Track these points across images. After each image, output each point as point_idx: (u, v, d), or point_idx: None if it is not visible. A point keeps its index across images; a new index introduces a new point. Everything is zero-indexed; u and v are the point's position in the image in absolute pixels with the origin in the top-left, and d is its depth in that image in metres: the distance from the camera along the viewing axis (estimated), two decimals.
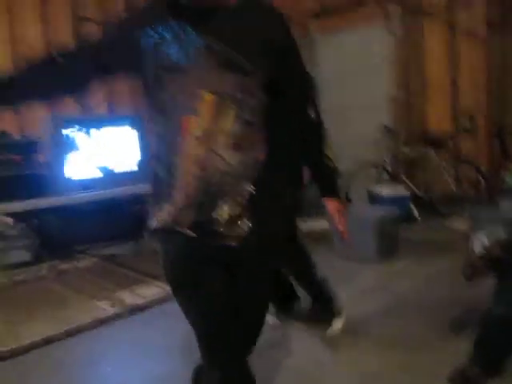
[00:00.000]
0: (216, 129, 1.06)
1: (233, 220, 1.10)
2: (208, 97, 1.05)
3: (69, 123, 3.16)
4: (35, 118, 4.89)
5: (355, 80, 5.27)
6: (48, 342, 2.34)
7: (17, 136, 3.12)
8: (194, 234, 1.11)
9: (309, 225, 4.73)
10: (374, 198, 4.57)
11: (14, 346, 2.27)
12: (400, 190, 4.57)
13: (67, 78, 1.19)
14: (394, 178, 4.89)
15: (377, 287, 2.93)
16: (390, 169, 4.97)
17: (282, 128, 1.23)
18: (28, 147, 2.92)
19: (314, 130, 1.33)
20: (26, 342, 2.32)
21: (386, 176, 4.99)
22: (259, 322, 1.35)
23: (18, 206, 2.89)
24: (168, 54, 1.06)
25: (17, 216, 3.66)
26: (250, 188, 1.11)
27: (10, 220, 3.85)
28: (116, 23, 1.25)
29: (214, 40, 1.04)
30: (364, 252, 3.42)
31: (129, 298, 2.89)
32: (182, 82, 1.07)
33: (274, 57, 1.11)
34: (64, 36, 4.36)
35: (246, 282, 1.25)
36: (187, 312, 1.21)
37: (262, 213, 1.14)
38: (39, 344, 2.31)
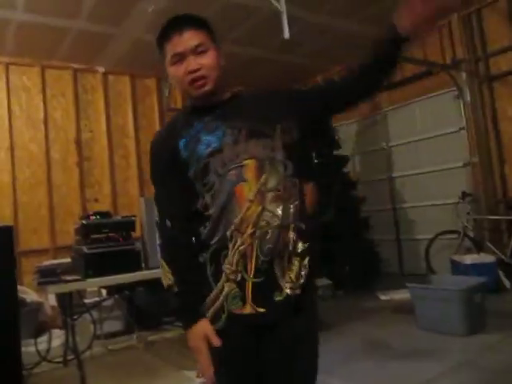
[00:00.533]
0: (263, 187, 1.20)
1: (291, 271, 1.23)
2: (249, 162, 1.22)
3: None
4: (130, 198, 5.44)
5: (429, 147, 5.32)
6: None
7: (116, 216, 3.51)
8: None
9: (389, 295, 4.66)
10: (457, 267, 4.41)
11: None
12: (485, 257, 4.37)
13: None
14: (478, 245, 4.71)
15: (465, 362, 2.79)
16: (472, 235, 4.81)
17: (304, 173, 1.35)
18: (126, 225, 3.28)
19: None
20: None
21: (468, 243, 4.82)
22: None
23: (113, 279, 3.18)
24: (204, 146, 1.24)
25: (111, 288, 4.02)
26: (300, 243, 1.23)
27: (103, 291, 4.22)
28: (158, 165, 1.34)
29: (233, 120, 1.25)
30: (449, 325, 3.29)
31: None
32: (221, 159, 1.22)
33: (285, 111, 1.29)
34: None
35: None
36: None
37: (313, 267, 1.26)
38: None
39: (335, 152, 5.48)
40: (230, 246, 1.19)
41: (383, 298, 4.66)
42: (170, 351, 3.52)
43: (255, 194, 1.20)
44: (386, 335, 3.46)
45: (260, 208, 1.19)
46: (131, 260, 3.20)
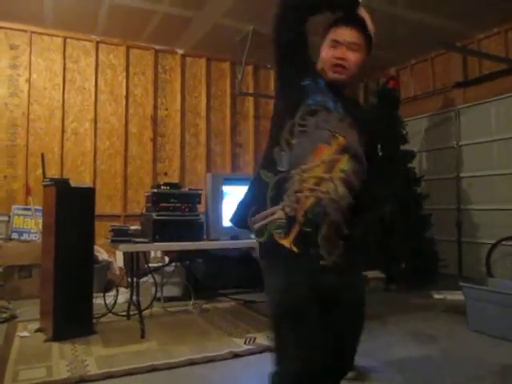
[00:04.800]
0: (336, 162, 1.35)
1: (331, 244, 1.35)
2: (340, 138, 1.38)
3: (225, 180, 3.74)
4: (196, 174, 5.74)
5: (502, 149, 5.12)
6: (191, 363, 2.73)
7: (184, 188, 3.77)
8: (296, 250, 1.33)
9: (442, 294, 4.60)
10: None
11: (165, 361, 2.71)
12: None
13: None
14: None
15: (510, 368, 2.76)
16: None
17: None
18: (192, 198, 3.53)
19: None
20: (174, 360, 2.75)
21: None
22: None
23: (176, 245, 3.44)
24: (321, 97, 1.44)
25: (173, 256, 4.33)
26: (344, 227, 1.36)
27: (166, 258, 4.55)
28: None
29: (345, 109, 1.47)
30: (501, 329, 3.24)
31: (260, 338, 3.18)
32: (327, 117, 1.40)
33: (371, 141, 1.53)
34: None
35: (345, 313, 1.44)
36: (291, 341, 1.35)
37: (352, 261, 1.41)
38: (184, 363, 2.71)
39: (402, 147, 5.43)
40: (292, 183, 1.33)
41: (436, 296, 4.61)
42: (221, 319, 3.75)
43: (328, 161, 1.35)
44: (433, 331, 3.47)
45: (327, 176, 1.33)
46: (194, 230, 3.45)
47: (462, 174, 5.59)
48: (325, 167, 1.34)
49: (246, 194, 1.51)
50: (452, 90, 5.65)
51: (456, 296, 4.29)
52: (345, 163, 1.36)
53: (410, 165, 5.46)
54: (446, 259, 5.43)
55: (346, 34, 1.49)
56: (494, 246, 4.86)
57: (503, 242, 4.79)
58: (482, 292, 3.47)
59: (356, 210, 1.40)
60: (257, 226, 1.36)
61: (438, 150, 5.87)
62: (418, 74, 6.23)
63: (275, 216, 1.33)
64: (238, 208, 1.51)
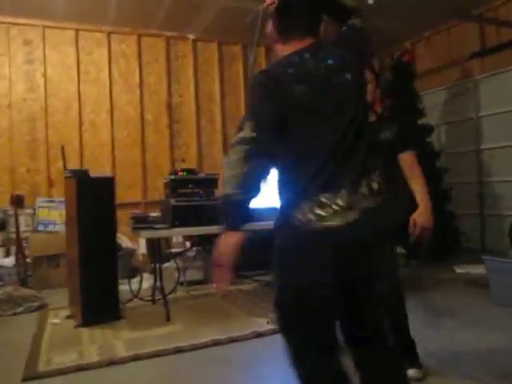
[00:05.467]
0: None
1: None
2: None
3: None
4: (214, 159, 5.77)
5: None
6: (215, 343, 2.80)
7: (201, 173, 3.82)
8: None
9: (464, 268, 4.57)
10: None
11: (190, 343, 2.79)
12: None
13: None
14: None
15: None
16: None
17: None
18: (209, 183, 3.58)
19: None
20: (199, 341, 2.83)
21: None
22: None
23: (196, 230, 3.51)
24: None
25: (194, 240, 4.40)
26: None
27: (188, 243, 4.62)
28: None
29: None
30: None
31: None
32: None
33: None
34: None
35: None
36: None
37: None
38: (209, 344, 2.79)
39: (419, 121, 5.34)
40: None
41: (459, 270, 4.59)
42: (244, 300, 3.82)
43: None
44: (455, 305, 3.47)
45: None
46: (212, 214, 3.50)
47: (482, 146, 5.48)
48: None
49: None
50: (469, 60, 5.50)
51: (479, 270, 4.26)
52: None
53: (428, 139, 5.37)
54: (468, 233, 5.37)
55: None
56: None
57: None
58: (504, 264, 3.43)
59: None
60: None
61: (457, 123, 5.76)
62: (434, 45, 6.08)
63: None
64: None
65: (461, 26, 5.62)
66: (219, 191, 3.74)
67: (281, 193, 1.39)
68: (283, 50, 1.45)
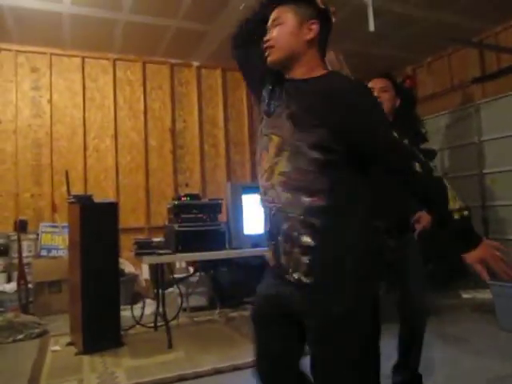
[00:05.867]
0: (275, 166, 1.27)
1: (291, 260, 1.25)
2: (275, 138, 1.29)
3: (244, 189, 3.78)
4: (217, 184, 5.79)
5: None
6: (218, 372, 2.75)
7: (204, 198, 3.83)
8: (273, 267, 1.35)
9: (471, 294, 4.51)
10: None
11: (193, 371, 2.74)
12: None
13: None
14: None
15: None
16: None
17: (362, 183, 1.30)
18: (213, 208, 3.58)
19: (420, 189, 1.29)
20: (201, 369, 2.77)
21: None
22: None
23: (200, 255, 3.49)
24: (265, 103, 1.40)
25: (197, 266, 4.37)
26: (306, 238, 1.21)
27: (191, 269, 4.59)
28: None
29: (291, 101, 1.28)
30: None
31: None
32: (265, 124, 1.37)
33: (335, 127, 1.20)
34: None
35: (312, 342, 1.26)
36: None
37: (319, 273, 1.21)
38: (211, 372, 2.74)
39: (422, 146, 5.35)
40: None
41: (465, 296, 4.53)
42: (247, 327, 3.76)
43: (269, 168, 1.29)
44: (462, 332, 3.41)
45: (268, 184, 1.29)
46: (216, 239, 3.49)
47: (484, 170, 5.48)
48: (267, 175, 1.29)
49: None
50: (470, 85, 5.56)
51: (485, 295, 4.20)
52: (283, 164, 1.24)
53: (431, 163, 5.37)
54: None
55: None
56: None
57: None
58: (510, 289, 3.39)
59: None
60: None
61: (460, 147, 5.77)
62: (435, 71, 6.16)
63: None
64: None
65: (461, 52, 5.69)
66: (222, 216, 3.74)
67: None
68: (317, 69, 1.32)
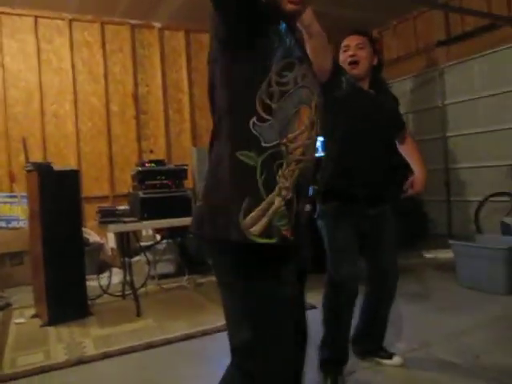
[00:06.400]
0: (315, 123, 1.19)
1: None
2: (315, 95, 1.19)
3: None
4: (183, 150, 5.68)
5: (487, 107, 5.11)
6: (188, 337, 2.76)
7: (170, 164, 3.74)
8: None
9: (433, 253, 4.67)
10: (507, 230, 4.32)
11: (162, 337, 2.73)
12: None
13: None
14: None
15: (502, 317, 2.83)
16: None
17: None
18: (178, 173, 3.50)
19: None
20: (171, 335, 2.78)
21: None
22: None
23: (165, 222, 3.43)
24: (288, 43, 1.15)
25: (164, 233, 4.32)
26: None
27: (158, 236, 4.54)
28: None
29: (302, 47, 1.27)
30: (490, 283, 3.31)
31: None
32: (302, 71, 1.15)
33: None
34: None
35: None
36: None
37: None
38: (181, 338, 2.74)
39: None
40: (282, 158, 1.10)
41: (427, 256, 4.69)
42: (216, 293, 3.77)
43: (309, 125, 1.16)
44: (425, 290, 3.54)
45: (309, 142, 1.17)
46: (182, 206, 3.43)
47: (448, 134, 5.59)
48: (308, 133, 1.16)
49: (219, 193, 1.13)
50: (435, 49, 5.58)
51: (447, 254, 4.36)
52: (318, 123, 1.20)
53: None
54: (436, 219, 5.49)
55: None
56: (481, 202, 4.92)
57: (491, 199, 4.84)
58: (470, 248, 3.52)
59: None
60: (258, 227, 1.07)
61: (424, 111, 5.85)
62: (401, 34, 6.14)
63: (275, 205, 1.09)
64: (211, 216, 1.14)
65: (427, 15, 5.68)
66: (189, 182, 3.68)
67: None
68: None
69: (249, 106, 1.09)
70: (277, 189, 1.09)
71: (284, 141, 1.10)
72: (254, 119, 1.09)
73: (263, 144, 1.08)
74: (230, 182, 1.10)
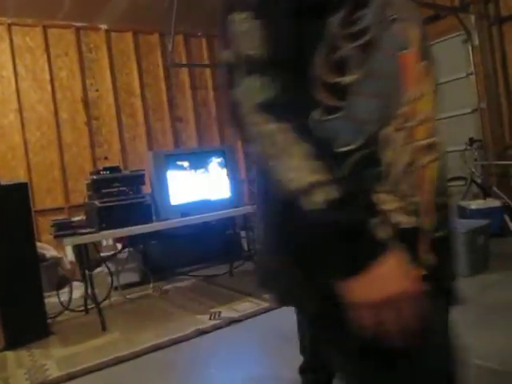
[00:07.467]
0: (436, 93, 0.75)
1: None
2: (414, 27, 0.73)
3: (167, 157, 3.60)
4: (139, 155, 5.53)
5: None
6: (157, 348, 2.66)
7: (125, 170, 3.61)
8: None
9: None
10: (463, 213, 4.46)
11: (130, 351, 2.62)
12: (491, 203, 4.41)
13: None
14: (485, 191, 4.74)
15: (466, 299, 2.89)
16: (479, 181, 4.83)
17: None
18: (135, 179, 3.38)
19: None
20: (139, 347, 2.67)
21: (475, 189, 4.85)
22: None
23: (125, 230, 3.31)
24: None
25: (125, 242, 4.18)
26: None
27: (119, 245, 4.38)
28: None
29: None
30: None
31: (225, 312, 3.15)
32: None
33: None
34: None
35: None
36: None
37: None
38: (149, 350, 2.64)
39: None
40: (392, 154, 0.67)
41: None
42: (183, 298, 3.69)
43: (428, 80, 0.71)
44: None
45: (434, 112, 0.72)
46: (142, 212, 3.32)
47: None
48: (430, 95, 0.71)
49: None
50: None
51: None
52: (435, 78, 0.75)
53: None
54: None
55: None
56: None
57: (448, 184, 4.97)
58: None
59: None
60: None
61: None
62: None
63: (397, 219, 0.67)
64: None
65: None
66: (147, 187, 3.56)
67: None
68: None
69: (298, 98, 0.66)
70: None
71: (394, 122, 0.67)
72: (318, 114, 0.67)
73: (341, 149, 0.67)
74: None
